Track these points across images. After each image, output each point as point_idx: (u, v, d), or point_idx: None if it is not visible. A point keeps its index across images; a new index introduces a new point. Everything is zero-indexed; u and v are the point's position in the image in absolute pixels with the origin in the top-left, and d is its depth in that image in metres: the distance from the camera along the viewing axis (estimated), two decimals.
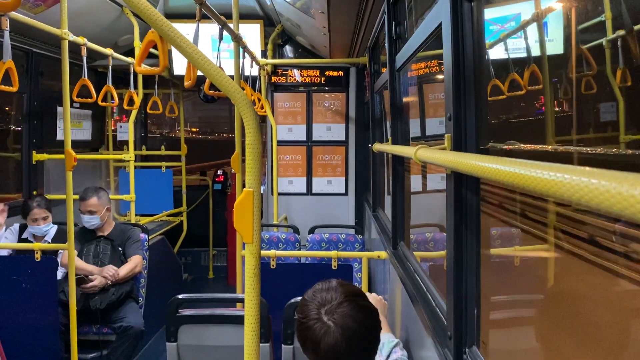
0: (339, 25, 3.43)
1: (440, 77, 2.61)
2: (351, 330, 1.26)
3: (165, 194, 5.49)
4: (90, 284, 3.37)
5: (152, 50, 1.45)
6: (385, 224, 3.33)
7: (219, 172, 6.22)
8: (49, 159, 4.22)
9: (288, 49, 5.20)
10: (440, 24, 1.47)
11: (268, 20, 4.97)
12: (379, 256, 2.96)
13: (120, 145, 5.63)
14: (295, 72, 5.06)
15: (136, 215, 4.35)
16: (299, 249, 4.06)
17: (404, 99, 2.67)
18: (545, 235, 1.38)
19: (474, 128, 1.32)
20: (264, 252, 2.91)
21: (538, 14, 1.40)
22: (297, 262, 3.70)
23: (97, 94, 3.58)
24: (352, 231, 4.23)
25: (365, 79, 4.55)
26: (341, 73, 5.05)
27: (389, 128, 3.11)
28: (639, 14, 1.04)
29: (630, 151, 1.05)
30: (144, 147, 6.03)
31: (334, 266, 2.98)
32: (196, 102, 9.14)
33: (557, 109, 1.40)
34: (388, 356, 1.77)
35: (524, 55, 1.54)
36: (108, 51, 3.70)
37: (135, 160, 4.39)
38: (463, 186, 1.36)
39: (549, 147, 1.34)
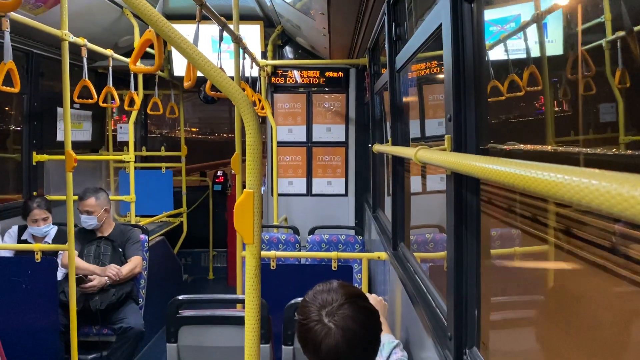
0: (339, 27, 3.43)
1: (440, 77, 2.61)
2: (352, 331, 1.26)
3: (165, 195, 5.49)
4: (90, 284, 3.37)
5: (151, 50, 1.46)
6: (385, 225, 3.33)
7: (219, 173, 6.22)
8: (49, 159, 4.22)
9: (288, 50, 5.21)
10: (440, 25, 1.48)
11: (268, 21, 4.98)
12: (379, 257, 2.96)
13: (121, 146, 5.64)
14: (295, 73, 5.07)
15: (136, 216, 4.35)
16: (299, 250, 4.06)
17: (404, 100, 2.67)
18: (545, 236, 1.38)
19: (474, 129, 1.32)
20: (264, 253, 2.91)
21: (538, 15, 1.40)
22: (297, 263, 3.70)
23: (98, 95, 3.58)
24: (352, 232, 4.23)
25: (365, 80, 4.55)
26: (341, 74, 5.06)
27: (388, 129, 3.11)
28: (638, 15, 1.04)
29: (629, 151, 1.05)
30: (144, 148, 6.03)
31: (334, 267, 2.98)
32: (196, 103, 9.15)
33: (557, 108, 1.41)
34: (388, 357, 1.78)
35: (524, 56, 1.54)
36: (108, 52, 3.71)
37: (135, 161, 4.39)
38: (463, 187, 1.36)
39: (549, 148, 1.34)
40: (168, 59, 5.05)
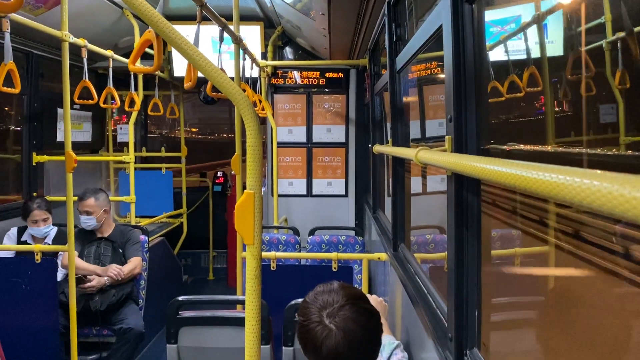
0: (339, 27, 3.43)
1: (440, 78, 2.61)
2: (353, 333, 1.26)
3: (165, 196, 5.49)
4: (89, 284, 3.37)
5: (151, 51, 1.46)
6: (385, 226, 3.33)
7: (219, 173, 6.22)
8: (49, 160, 4.22)
9: (288, 50, 5.21)
10: (440, 26, 1.48)
11: (268, 22, 4.98)
12: (379, 258, 2.96)
13: (121, 147, 5.64)
14: (295, 74, 5.07)
15: (136, 216, 4.35)
16: (299, 251, 4.06)
17: (404, 101, 2.67)
18: (545, 236, 1.38)
19: (475, 129, 1.32)
20: (264, 254, 2.91)
21: (538, 16, 1.40)
22: (297, 263, 3.70)
23: (98, 95, 3.59)
24: (352, 233, 4.23)
25: (366, 81, 4.55)
26: (341, 75, 5.06)
27: (389, 130, 3.11)
28: (638, 16, 1.04)
29: (629, 152, 1.05)
30: (144, 148, 6.03)
31: (334, 268, 2.98)
32: (196, 104, 9.16)
33: (557, 108, 1.41)
34: (389, 358, 1.77)
35: (524, 57, 1.54)
36: (108, 53, 3.71)
37: (135, 162, 4.39)
38: (464, 188, 1.36)
39: (549, 148, 1.34)
40: (168, 60, 5.06)
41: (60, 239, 3.67)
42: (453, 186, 1.38)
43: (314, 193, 5.11)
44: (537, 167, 0.65)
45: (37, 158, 4.14)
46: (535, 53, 1.47)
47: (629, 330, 1.03)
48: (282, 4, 3.90)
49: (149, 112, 5.00)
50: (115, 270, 3.45)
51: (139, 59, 1.57)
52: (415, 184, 2.89)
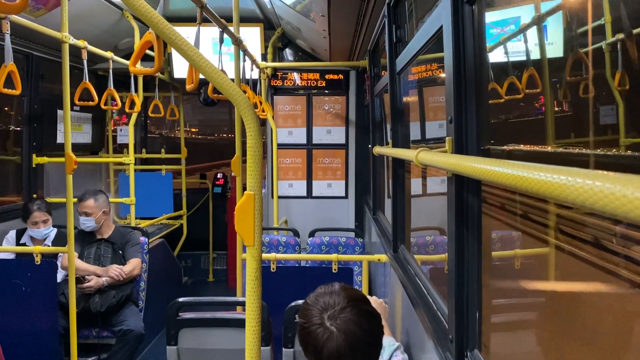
0: (339, 29, 3.44)
1: (440, 79, 2.61)
2: (354, 336, 1.25)
3: (165, 197, 5.49)
4: (87, 284, 3.37)
5: (151, 53, 1.45)
6: (385, 227, 3.33)
7: (219, 175, 6.22)
8: (49, 162, 4.22)
9: (288, 52, 5.21)
10: (441, 27, 1.48)
11: (268, 24, 4.98)
12: (379, 259, 2.96)
13: (121, 148, 5.64)
14: (295, 75, 5.07)
15: (136, 218, 4.34)
16: (299, 252, 4.06)
17: (404, 102, 2.67)
18: (545, 237, 1.38)
19: (475, 130, 1.32)
20: (264, 256, 2.91)
21: (538, 17, 1.41)
22: (297, 265, 3.69)
23: (98, 97, 3.59)
24: (352, 234, 4.23)
25: (366, 82, 4.56)
26: (341, 76, 5.06)
27: (389, 131, 3.11)
28: (638, 17, 1.04)
29: (629, 152, 1.05)
30: (144, 150, 6.03)
31: (334, 269, 2.97)
32: (196, 105, 9.16)
33: (556, 108, 1.41)
34: None
35: (524, 58, 1.54)
36: (108, 54, 3.71)
37: (135, 163, 4.39)
38: (464, 189, 1.36)
39: (549, 148, 1.34)
40: (168, 62, 5.06)
41: (60, 240, 3.66)
42: (453, 187, 1.38)
43: (314, 194, 5.11)
44: (539, 168, 0.65)
45: (37, 159, 4.14)
46: (535, 54, 1.47)
47: (630, 332, 1.02)
48: (282, 5, 3.91)
49: (150, 114, 5.00)
50: (116, 270, 3.45)
51: (139, 60, 1.57)
52: (415, 186, 2.89)
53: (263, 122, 5.11)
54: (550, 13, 1.43)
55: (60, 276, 3.42)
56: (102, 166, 5.53)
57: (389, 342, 1.82)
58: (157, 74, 4.60)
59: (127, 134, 4.55)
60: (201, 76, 1.31)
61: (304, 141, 5.09)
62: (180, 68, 4.99)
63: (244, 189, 1.24)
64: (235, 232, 1.23)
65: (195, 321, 2.33)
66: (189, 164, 6.20)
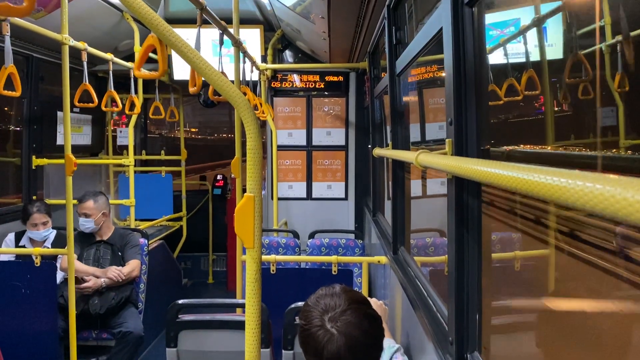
0: (339, 30, 3.44)
1: (440, 81, 2.61)
2: (355, 338, 1.25)
3: (165, 199, 5.48)
4: (85, 284, 3.36)
5: (152, 55, 1.45)
6: (385, 229, 3.33)
7: (219, 176, 6.22)
8: (49, 163, 4.22)
9: (288, 53, 5.22)
10: (441, 29, 1.48)
11: (268, 25, 4.99)
12: (379, 261, 2.96)
13: (120, 150, 5.63)
14: (295, 77, 5.07)
15: (136, 220, 4.34)
16: (299, 254, 4.05)
17: (404, 103, 2.67)
18: (546, 237, 1.38)
19: (475, 132, 1.32)
20: (264, 257, 2.91)
21: (538, 19, 1.41)
22: (297, 267, 3.69)
23: (98, 98, 3.59)
24: (352, 236, 4.23)
25: (365, 84, 4.56)
26: (341, 78, 5.06)
27: (389, 133, 3.11)
28: (638, 19, 1.04)
29: (629, 152, 1.05)
30: (143, 151, 6.02)
31: (334, 271, 2.97)
32: (196, 107, 9.16)
33: (556, 108, 1.41)
34: None
35: (524, 60, 1.54)
36: (108, 56, 3.71)
37: (135, 165, 4.39)
38: (464, 191, 1.36)
39: (549, 147, 1.34)
40: (168, 63, 5.06)
41: (60, 242, 3.66)
42: (453, 189, 1.38)
43: (313, 196, 5.11)
44: (539, 171, 0.65)
45: (36, 161, 4.14)
46: (535, 56, 1.47)
47: (629, 333, 1.02)
48: (282, 7, 3.91)
49: (151, 116, 5.00)
50: (114, 272, 3.45)
51: (144, 63, 1.57)
52: (415, 187, 2.89)
53: (263, 124, 5.11)
54: (550, 15, 1.43)
55: (59, 277, 3.42)
56: (102, 168, 5.53)
57: (389, 344, 1.81)
58: (161, 77, 4.59)
59: (127, 136, 4.55)
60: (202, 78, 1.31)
61: (304, 143, 5.09)
62: (180, 70, 4.99)
63: (244, 190, 1.23)
64: (235, 234, 1.23)
65: (195, 323, 2.33)
66: (189, 164, 6.20)
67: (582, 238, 1.15)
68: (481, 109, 1.33)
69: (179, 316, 2.33)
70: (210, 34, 3.52)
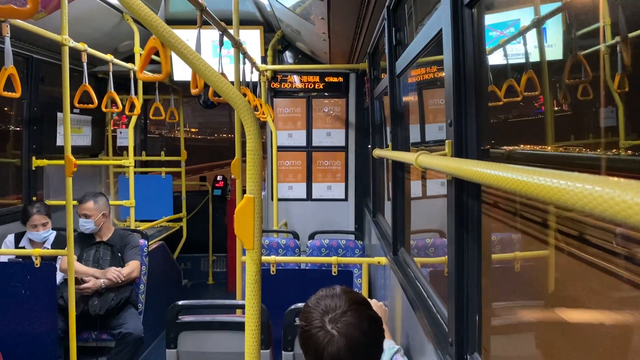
0: (338, 31, 3.44)
1: (440, 82, 2.62)
2: (355, 340, 1.25)
3: (165, 200, 5.48)
4: (84, 285, 3.36)
5: (153, 56, 1.45)
6: (385, 230, 3.33)
7: (219, 177, 6.22)
8: (49, 164, 4.22)
9: (288, 54, 5.22)
10: (440, 30, 1.48)
11: (268, 26, 4.99)
12: (379, 262, 2.96)
13: (120, 151, 5.63)
14: (295, 78, 5.07)
15: (136, 220, 4.34)
16: (299, 255, 4.05)
17: (404, 103, 2.67)
18: (545, 238, 1.38)
19: (475, 133, 1.32)
20: (264, 258, 2.91)
21: (538, 20, 1.41)
22: (297, 268, 3.69)
23: (98, 99, 3.59)
24: (352, 237, 4.23)
25: (365, 85, 4.56)
26: (341, 79, 5.06)
27: (389, 133, 3.11)
28: (637, 20, 1.04)
29: (630, 152, 1.05)
30: (143, 152, 6.02)
31: (334, 272, 2.97)
32: (196, 108, 9.17)
33: (555, 108, 1.41)
34: None
35: (523, 60, 1.54)
36: (108, 57, 3.71)
37: (135, 166, 4.39)
38: (464, 192, 1.36)
39: (549, 148, 1.34)
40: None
41: (60, 243, 3.66)
42: (453, 190, 1.38)
43: (313, 197, 5.11)
44: (539, 173, 0.65)
45: (36, 162, 4.14)
46: (535, 57, 1.47)
47: (629, 334, 1.02)
48: (281, 8, 3.91)
49: (151, 117, 5.00)
50: (114, 273, 3.44)
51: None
52: (415, 188, 2.89)
53: (263, 125, 5.11)
54: (549, 15, 1.43)
55: (58, 278, 3.42)
56: (102, 169, 5.53)
57: (389, 345, 1.81)
58: (165, 80, 4.60)
59: (127, 137, 4.55)
60: None
61: (304, 143, 5.10)
62: (180, 71, 4.99)
63: (244, 191, 1.23)
64: (235, 235, 1.23)
65: (194, 324, 2.33)
66: (189, 164, 6.19)
67: (582, 238, 1.15)
68: (481, 110, 1.34)
69: (179, 317, 2.33)
70: (210, 35, 3.52)
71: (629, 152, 1.06)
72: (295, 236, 4.13)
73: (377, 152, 3.25)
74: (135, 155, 4.50)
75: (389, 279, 2.88)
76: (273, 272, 2.97)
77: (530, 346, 1.49)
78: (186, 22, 4.63)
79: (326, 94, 5.09)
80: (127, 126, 5.12)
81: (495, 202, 1.52)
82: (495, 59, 1.71)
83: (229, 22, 2.79)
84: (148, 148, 6.39)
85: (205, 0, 2.19)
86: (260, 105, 4.13)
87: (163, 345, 2.42)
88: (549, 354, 1.35)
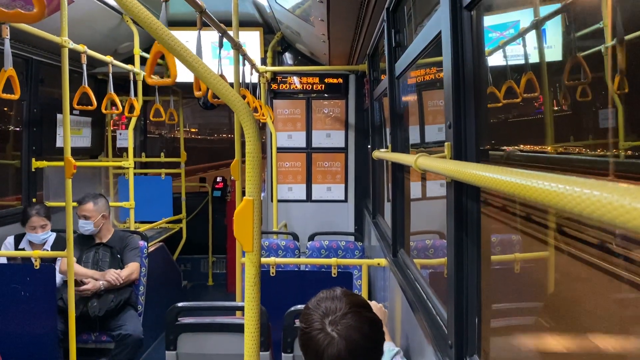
0: (338, 33, 3.44)
1: (439, 83, 2.62)
2: (355, 342, 1.25)
3: (164, 201, 5.48)
4: (83, 287, 3.36)
5: (159, 60, 1.45)
6: (385, 231, 3.33)
7: (219, 179, 6.22)
8: (49, 166, 4.22)
9: (287, 56, 5.22)
10: (439, 32, 1.48)
11: (268, 28, 4.99)
12: (378, 263, 2.96)
13: (120, 152, 5.63)
14: (295, 79, 5.08)
15: (135, 222, 4.34)
16: (299, 256, 4.05)
17: (404, 105, 2.67)
18: (545, 238, 1.38)
19: (474, 136, 1.32)
20: (263, 260, 2.90)
21: (538, 21, 1.41)
22: (296, 269, 3.69)
23: (97, 101, 3.59)
24: (351, 238, 4.23)
25: (365, 86, 4.56)
26: (340, 80, 5.07)
27: (388, 135, 3.11)
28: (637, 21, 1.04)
29: (629, 152, 1.05)
30: (143, 154, 6.02)
31: (334, 274, 2.97)
32: (196, 109, 9.17)
33: (555, 107, 1.41)
34: None
35: (523, 62, 1.54)
36: (108, 59, 3.71)
37: (134, 167, 4.39)
38: (463, 194, 1.36)
39: (549, 148, 1.34)
40: (167, 66, 5.05)
41: (59, 244, 3.66)
42: (452, 192, 1.38)
43: (313, 198, 5.11)
44: (538, 176, 0.65)
45: (36, 164, 4.14)
46: (534, 58, 1.47)
47: (628, 335, 1.02)
48: (281, 9, 3.91)
49: (151, 118, 5.00)
50: (113, 275, 3.44)
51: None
52: (415, 189, 2.89)
53: (262, 126, 5.11)
54: (549, 17, 1.43)
55: (58, 280, 3.41)
56: (102, 170, 5.53)
57: (388, 347, 1.81)
58: (173, 84, 4.60)
59: (127, 138, 4.55)
60: None
61: (304, 145, 5.10)
62: (180, 72, 4.97)
63: (244, 192, 1.23)
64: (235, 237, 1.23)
65: (194, 326, 2.33)
66: (189, 165, 6.19)
67: (582, 238, 1.15)
68: (480, 112, 1.34)
69: (179, 319, 2.32)
70: (210, 37, 3.52)
71: (629, 152, 1.06)
72: (295, 237, 4.13)
73: (377, 154, 3.25)
74: (134, 156, 4.50)
75: (389, 281, 2.88)
76: (273, 273, 2.97)
77: (530, 348, 1.48)
78: (185, 23, 4.63)
79: (326, 95, 5.09)
80: (126, 127, 5.12)
81: (487, 199, 1.52)
82: (495, 60, 1.71)
83: (228, 24, 2.79)
84: (148, 149, 6.39)
85: (205, 1, 2.19)
86: (260, 106, 4.13)
87: (162, 347, 2.42)
88: (549, 355, 1.35)
